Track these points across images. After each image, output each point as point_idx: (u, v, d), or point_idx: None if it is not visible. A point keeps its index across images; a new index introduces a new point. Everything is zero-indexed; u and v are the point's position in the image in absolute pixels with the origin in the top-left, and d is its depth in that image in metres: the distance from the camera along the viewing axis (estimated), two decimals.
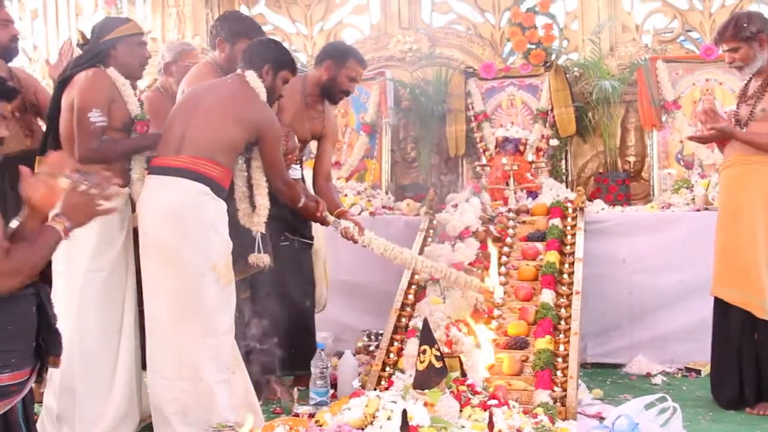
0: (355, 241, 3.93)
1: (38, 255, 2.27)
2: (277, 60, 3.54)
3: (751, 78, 3.80)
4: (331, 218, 3.90)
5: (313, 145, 4.34)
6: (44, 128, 3.77)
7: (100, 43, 3.47)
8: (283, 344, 4.03)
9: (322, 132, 4.15)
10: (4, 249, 2.20)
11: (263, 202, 3.58)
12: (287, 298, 4.08)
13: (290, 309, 4.09)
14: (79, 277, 3.37)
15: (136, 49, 3.50)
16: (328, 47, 4.22)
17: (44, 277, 3.78)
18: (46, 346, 2.33)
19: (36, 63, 6.51)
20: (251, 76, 3.49)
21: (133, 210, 3.58)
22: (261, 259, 3.59)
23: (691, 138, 4.22)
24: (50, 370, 3.31)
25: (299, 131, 4.03)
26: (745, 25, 3.68)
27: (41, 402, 3.49)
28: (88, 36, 3.53)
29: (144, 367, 3.47)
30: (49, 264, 3.70)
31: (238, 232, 3.53)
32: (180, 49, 4.36)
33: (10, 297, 2.22)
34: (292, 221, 4.04)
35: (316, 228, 4.28)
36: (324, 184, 4.13)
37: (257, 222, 3.58)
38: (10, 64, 4.09)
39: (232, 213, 3.53)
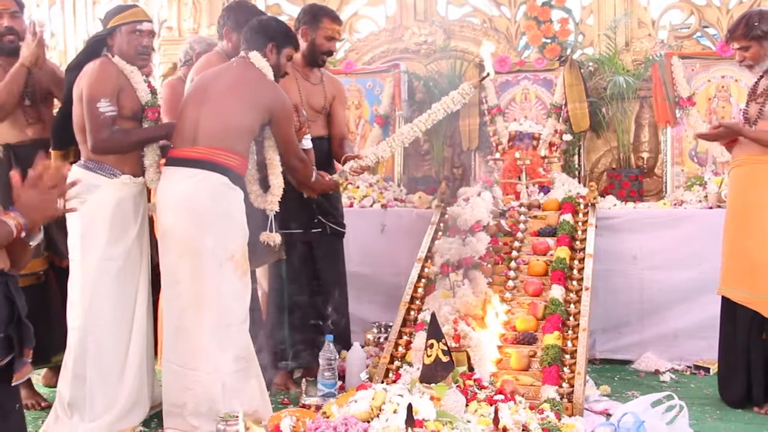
0: (368, 168, 3.95)
1: None
2: (279, 37, 3.53)
3: (761, 76, 3.78)
4: (335, 174, 3.92)
5: None
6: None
7: (101, 31, 3.49)
8: (304, 335, 4.05)
9: (327, 95, 4.17)
10: None
11: (277, 181, 3.57)
12: (319, 287, 4.11)
13: (323, 298, 4.10)
14: (93, 266, 3.39)
15: (131, 38, 3.44)
16: (300, 13, 4.20)
17: (50, 263, 3.87)
18: (18, 338, 2.23)
19: (53, 50, 6.55)
20: (255, 56, 3.48)
21: (149, 199, 3.62)
22: (272, 237, 3.55)
23: (698, 135, 4.22)
24: (65, 357, 3.42)
25: (311, 101, 4.07)
26: (756, 23, 3.67)
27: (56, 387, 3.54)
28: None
29: (156, 355, 3.50)
30: (55, 252, 3.78)
31: (251, 218, 3.49)
32: (209, 41, 4.48)
33: None
34: (325, 206, 4.06)
35: None
36: (338, 150, 4.15)
37: (271, 201, 3.56)
38: None
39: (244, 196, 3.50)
